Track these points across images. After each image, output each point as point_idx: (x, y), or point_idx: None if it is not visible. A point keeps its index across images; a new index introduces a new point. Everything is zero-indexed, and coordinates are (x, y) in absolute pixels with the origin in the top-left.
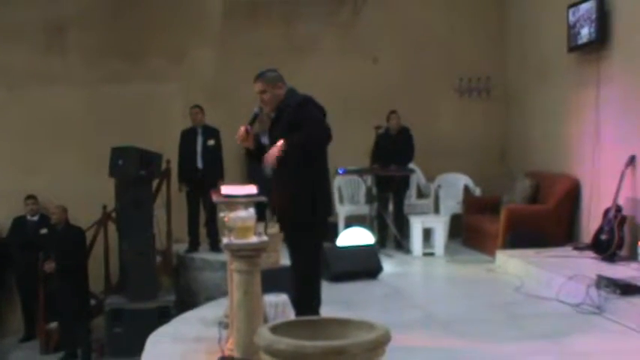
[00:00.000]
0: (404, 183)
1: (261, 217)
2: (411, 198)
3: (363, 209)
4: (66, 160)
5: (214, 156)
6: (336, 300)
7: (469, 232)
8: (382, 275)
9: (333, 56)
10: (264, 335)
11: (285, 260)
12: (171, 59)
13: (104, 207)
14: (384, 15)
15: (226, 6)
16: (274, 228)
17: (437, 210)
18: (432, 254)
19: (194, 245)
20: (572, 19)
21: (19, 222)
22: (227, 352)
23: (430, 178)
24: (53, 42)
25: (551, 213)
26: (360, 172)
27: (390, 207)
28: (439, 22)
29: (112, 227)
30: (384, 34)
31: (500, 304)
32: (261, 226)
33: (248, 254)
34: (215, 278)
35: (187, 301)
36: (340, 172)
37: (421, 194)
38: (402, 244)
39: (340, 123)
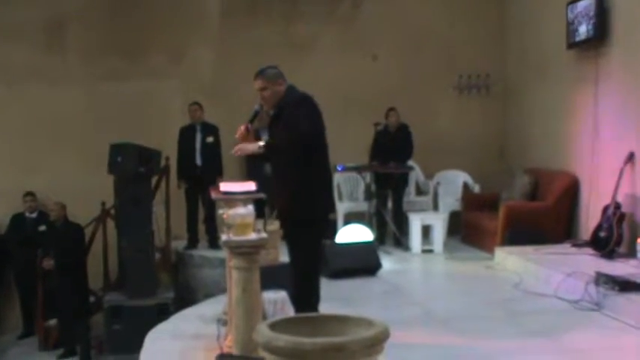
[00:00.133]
0: (403, 180)
1: (260, 214)
2: (410, 195)
3: (362, 206)
4: (65, 158)
5: (213, 153)
6: (335, 297)
7: (468, 229)
8: (381, 272)
9: (332, 54)
10: (263, 332)
11: (284, 257)
12: (171, 57)
13: (103, 204)
14: (383, 12)
15: (225, 3)
16: (273, 225)
17: (436, 207)
18: (431, 251)
19: (193, 242)
20: (570, 15)
21: (17, 219)
22: (226, 349)
23: (429, 175)
24: (53, 40)
25: (550, 210)
26: (359, 169)
27: (389, 204)
28: (439, 19)
29: (110, 224)
30: (384, 31)
31: (499, 300)
32: (260, 223)
33: (247, 251)
34: (214, 275)
35: (186, 298)
36: (339, 169)
37: (420, 191)
38: (401, 241)
39: (339, 120)
